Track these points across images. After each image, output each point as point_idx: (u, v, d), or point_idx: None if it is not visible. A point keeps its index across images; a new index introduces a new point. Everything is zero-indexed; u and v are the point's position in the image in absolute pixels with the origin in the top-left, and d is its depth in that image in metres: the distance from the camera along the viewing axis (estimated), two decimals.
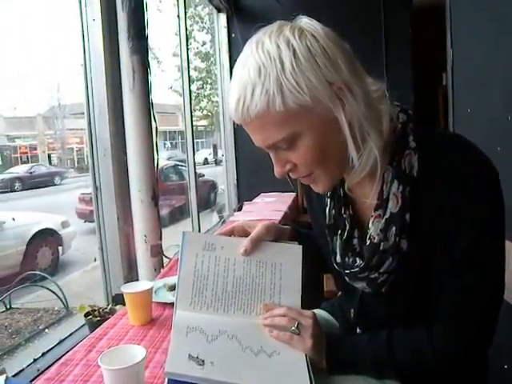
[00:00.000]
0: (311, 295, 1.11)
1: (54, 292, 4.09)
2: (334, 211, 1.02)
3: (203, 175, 8.82)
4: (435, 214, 0.87)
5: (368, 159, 0.88)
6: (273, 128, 0.84)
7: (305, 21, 0.87)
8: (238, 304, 0.97)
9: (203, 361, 0.85)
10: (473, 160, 0.86)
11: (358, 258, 0.97)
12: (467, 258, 0.86)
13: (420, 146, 0.89)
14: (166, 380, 0.83)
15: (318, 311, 1.30)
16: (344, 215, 1.00)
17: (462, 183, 0.84)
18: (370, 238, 0.93)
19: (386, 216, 0.90)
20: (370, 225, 0.93)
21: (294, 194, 3.85)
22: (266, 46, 0.82)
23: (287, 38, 0.82)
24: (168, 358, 0.84)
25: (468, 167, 0.85)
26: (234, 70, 0.88)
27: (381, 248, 0.91)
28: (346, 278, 1.01)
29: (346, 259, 0.99)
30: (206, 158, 12.63)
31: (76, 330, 1.78)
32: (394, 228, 0.89)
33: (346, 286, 1.03)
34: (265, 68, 0.81)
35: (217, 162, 10.76)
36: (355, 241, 0.99)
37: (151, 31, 2.01)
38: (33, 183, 8.56)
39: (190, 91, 3.36)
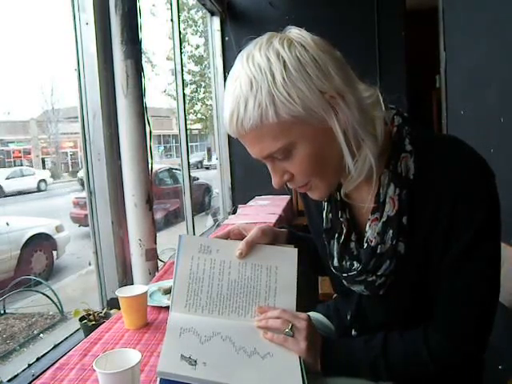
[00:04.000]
0: (306, 298, 1.12)
1: (48, 297, 4.08)
2: (331, 215, 1.02)
3: (198, 178, 8.83)
4: (432, 216, 0.87)
5: (363, 165, 0.88)
6: (268, 140, 0.84)
7: (294, 31, 0.87)
8: (233, 306, 0.97)
9: (196, 361, 0.85)
10: (469, 162, 0.87)
11: (355, 262, 0.97)
12: (464, 259, 0.86)
13: (416, 149, 0.90)
14: (158, 380, 0.83)
15: (313, 314, 1.30)
16: (341, 219, 1.00)
17: (458, 185, 0.85)
18: (367, 242, 0.93)
19: (383, 219, 0.90)
20: (367, 228, 0.93)
21: (289, 196, 3.86)
22: (257, 59, 0.83)
23: (277, 49, 0.82)
24: (160, 358, 0.84)
25: (465, 169, 0.85)
26: (226, 84, 0.88)
27: (378, 251, 0.91)
28: (344, 281, 1.01)
29: (344, 263, 0.99)
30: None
31: (71, 335, 1.78)
32: (390, 231, 0.90)
33: (342, 288, 1.03)
34: (256, 81, 0.81)
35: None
36: (352, 244, 0.99)
37: (145, 35, 2.02)
38: None
39: (184, 95, 3.36)
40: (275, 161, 0.89)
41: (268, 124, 0.82)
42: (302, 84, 0.80)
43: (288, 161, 0.87)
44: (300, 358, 0.91)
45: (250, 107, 0.81)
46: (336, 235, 1.01)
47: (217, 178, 4.35)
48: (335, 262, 1.01)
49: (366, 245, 0.94)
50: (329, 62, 0.83)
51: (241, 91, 0.82)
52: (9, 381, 1.39)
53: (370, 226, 0.93)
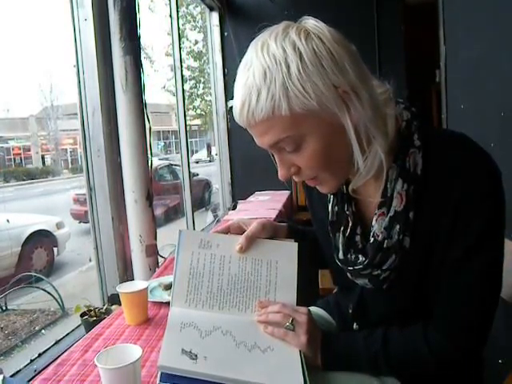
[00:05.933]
0: (307, 293, 1.12)
1: (49, 293, 4.09)
2: (336, 208, 1.02)
3: (197, 174, 8.83)
4: (438, 212, 0.87)
5: (373, 162, 0.87)
6: (278, 132, 0.83)
7: (311, 22, 0.85)
8: (233, 301, 0.98)
9: (196, 355, 0.85)
10: (477, 159, 0.86)
11: (360, 255, 0.96)
12: (466, 259, 0.86)
13: (424, 145, 0.89)
14: (159, 374, 0.83)
15: (314, 309, 1.30)
16: (347, 212, 1.00)
17: (465, 182, 0.84)
18: (373, 236, 0.93)
19: (390, 214, 0.90)
20: (374, 222, 0.93)
21: (289, 191, 3.87)
22: (272, 49, 0.81)
23: (293, 40, 0.81)
24: (161, 353, 0.85)
25: (472, 166, 0.85)
26: (238, 72, 0.86)
27: (384, 246, 0.91)
28: (348, 274, 1.01)
29: (349, 256, 0.99)
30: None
31: (72, 331, 1.78)
32: (397, 226, 0.89)
33: (345, 281, 1.03)
34: (270, 72, 0.80)
35: None
36: (357, 238, 0.99)
37: (143, 31, 2.01)
38: None
39: (183, 90, 3.36)
40: (283, 153, 0.88)
41: (279, 116, 0.81)
42: (317, 78, 0.79)
43: (296, 154, 0.86)
44: (300, 352, 0.91)
45: (262, 98, 0.80)
46: (341, 228, 1.00)
47: (216, 174, 4.35)
48: (340, 255, 1.00)
49: (372, 239, 0.93)
50: (344, 55, 0.82)
51: (254, 81, 0.81)
52: (11, 376, 1.39)
53: (376, 220, 0.92)
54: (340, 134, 0.84)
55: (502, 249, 0.89)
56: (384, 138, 0.86)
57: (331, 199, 1.03)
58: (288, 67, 0.79)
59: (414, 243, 0.90)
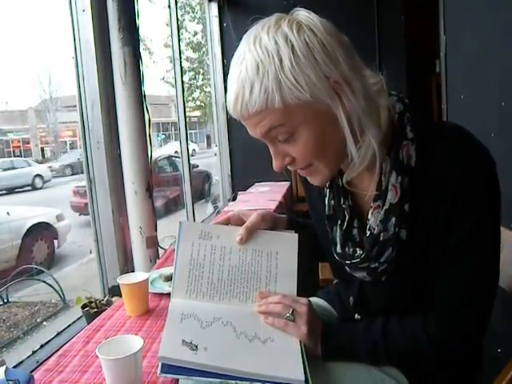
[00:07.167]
0: (307, 283, 1.12)
1: (50, 285, 4.10)
2: (333, 201, 1.02)
3: (197, 166, 8.82)
4: (433, 203, 0.87)
5: (366, 153, 0.87)
6: (271, 123, 0.84)
7: (302, 14, 0.85)
8: (234, 292, 0.98)
9: (196, 346, 0.85)
10: (470, 150, 0.86)
11: (358, 249, 0.97)
12: (465, 246, 0.86)
13: (418, 136, 0.89)
14: (160, 365, 0.83)
15: (315, 299, 1.30)
16: (343, 205, 1.00)
17: (459, 173, 0.84)
18: (369, 229, 0.93)
19: (386, 207, 0.90)
20: (370, 216, 0.93)
21: (289, 183, 3.87)
22: (264, 42, 0.81)
23: (285, 33, 0.81)
24: (161, 344, 0.85)
25: (466, 157, 0.85)
26: (231, 65, 0.86)
27: (381, 239, 0.91)
28: (347, 267, 1.01)
29: (346, 249, 0.99)
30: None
31: (73, 322, 1.79)
32: (393, 219, 0.89)
33: (344, 274, 1.04)
34: (263, 65, 0.80)
35: None
36: (355, 231, 0.99)
37: (142, 22, 2.00)
38: None
39: (183, 82, 3.35)
40: (277, 143, 0.88)
41: (273, 109, 0.81)
42: (309, 70, 0.79)
43: (290, 144, 0.87)
44: (301, 342, 0.91)
45: (255, 91, 0.80)
46: (338, 222, 1.00)
47: (216, 165, 4.35)
48: (338, 249, 1.01)
49: (368, 232, 0.93)
50: (337, 47, 0.82)
51: (246, 74, 0.81)
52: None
53: (372, 213, 0.92)
54: (333, 124, 0.85)
55: (499, 238, 0.89)
56: (377, 129, 0.86)
57: (327, 193, 1.04)
58: (280, 60, 0.79)
59: (411, 235, 0.90)
